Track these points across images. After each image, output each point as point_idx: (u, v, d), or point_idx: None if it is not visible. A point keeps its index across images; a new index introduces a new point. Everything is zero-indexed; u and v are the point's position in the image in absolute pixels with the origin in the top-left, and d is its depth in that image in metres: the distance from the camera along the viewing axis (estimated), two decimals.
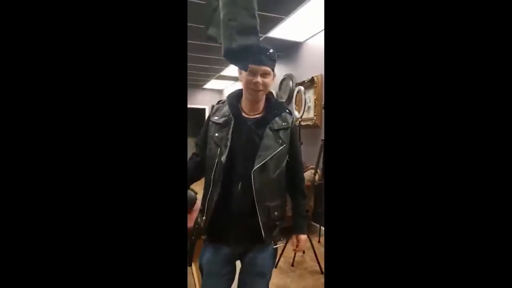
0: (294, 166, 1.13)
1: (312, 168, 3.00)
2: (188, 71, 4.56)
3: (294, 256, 2.50)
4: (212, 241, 1.09)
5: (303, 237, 1.16)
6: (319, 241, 2.92)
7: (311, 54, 3.53)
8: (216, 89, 7.14)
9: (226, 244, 1.06)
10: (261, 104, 1.10)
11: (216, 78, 5.88)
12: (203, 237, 1.11)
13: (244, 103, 1.10)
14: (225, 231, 1.06)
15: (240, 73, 1.07)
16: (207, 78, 5.97)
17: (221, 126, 1.06)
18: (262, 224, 1.00)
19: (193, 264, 1.74)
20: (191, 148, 1.02)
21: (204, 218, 1.07)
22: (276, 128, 1.06)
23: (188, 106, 6.31)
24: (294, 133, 1.12)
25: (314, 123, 3.37)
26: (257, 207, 1.00)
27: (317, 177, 2.88)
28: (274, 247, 1.11)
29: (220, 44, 0.98)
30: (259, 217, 1.00)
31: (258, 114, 1.09)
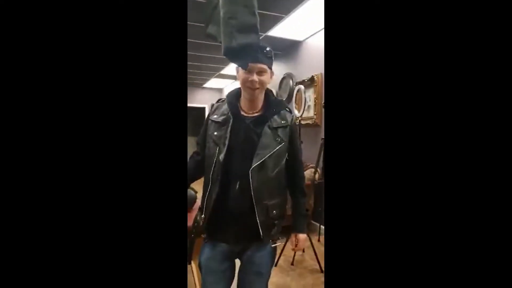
0: (294, 165, 1.12)
1: (312, 167, 3.00)
2: (187, 70, 4.56)
3: (294, 255, 2.50)
4: (210, 238, 1.09)
5: (302, 236, 1.15)
6: (319, 240, 2.92)
7: (311, 53, 3.53)
8: (216, 88, 7.14)
9: (225, 241, 1.06)
10: (260, 103, 1.09)
11: (216, 77, 5.87)
12: (203, 235, 1.11)
13: (243, 102, 1.09)
14: (224, 229, 1.06)
15: (237, 72, 1.06)
16: (206, 77, 5.96)
17: (220, 125, 1.06)
18: (260, 223, 1.00)
19: (192, 263, 1.74)
20: (190, 147, 1.02)
21: (203, 216, 1.07)
22: (274, 126, 1.05)
23: (188, 105, 6.30)
24: (293, 131, 1.11)
25: (314, 122, 3.37)
26: (255, 205, 0.99)
27: (317, 176, 2.88)
28: (273, 246, 1.10)
29: (220, 42, 0.97)
30: (257, 215, 1.00)
31: (257, 112, 1.08)
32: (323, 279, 2.21)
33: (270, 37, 3.43)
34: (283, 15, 2.91)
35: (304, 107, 3.21)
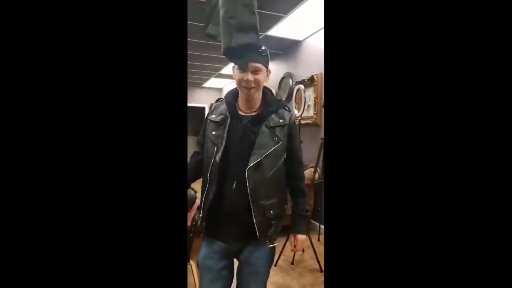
0: (293, 165, 1.11)
1: (312, 167, 3.00)
2: (187, 70, 4.55)
3: (294, 255, 2.50)
4: (208, 237, 1.09)
5: (301, 237, 1.14)
6: (318, 240, 2.93)
7: (311, 52, 3.52)
8: (215, 88, 7.13)
9: (222, 241, 1.06)
10: (257, 102, 1.08)
11: (215, 77, 5.87)
12: (201, 234, 1.11)
13: (241, 101, 1.09)
14: (221, 228, 1.05)
15: (233, 71, 1.06)
16: (206, 77, 5.96)
17: (218, 124, 1.06)
18: (256, 223, 0.99)
19: (192, 262, 1.74)
20: (190, 146, 1.01)
21: (201, 215, 1.07)
22: (272, 125, 1.04)
23: (187, 104, 6.29)
24: (292, 130, 1.09)
25: (314, 121, 3.37)
26: (251, 205, 0.99)
27: (317, 175, 2.88)
28: (270, 246, 1.09)
29: (220, 42, 0.97)
30: (253, 215, 0.99)
31: (255, 111, 1.08)
32: (323, 278, 2.21)
33: (269, 36, 3.43)
34: (283, 15, 2.90)
35: (304, 106, 3.21)
